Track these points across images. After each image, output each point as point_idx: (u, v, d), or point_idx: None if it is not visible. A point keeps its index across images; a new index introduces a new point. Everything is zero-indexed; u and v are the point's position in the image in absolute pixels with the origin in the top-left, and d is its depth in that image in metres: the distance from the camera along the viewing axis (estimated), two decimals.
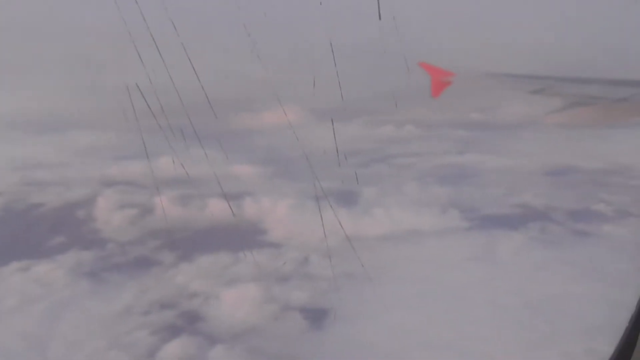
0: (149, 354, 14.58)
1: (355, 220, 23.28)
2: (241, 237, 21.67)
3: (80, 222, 23.93)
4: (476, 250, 20.07)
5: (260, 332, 15.38)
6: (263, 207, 23.07)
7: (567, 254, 19.57)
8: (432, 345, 14.44)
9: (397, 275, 18.19)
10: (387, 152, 35.76)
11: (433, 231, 21.27)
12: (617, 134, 26.76)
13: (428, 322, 16.10)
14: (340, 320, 15.71)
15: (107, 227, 23.38)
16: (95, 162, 33.94)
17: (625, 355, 3.63)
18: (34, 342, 14.90)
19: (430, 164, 31.23)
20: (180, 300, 17.04)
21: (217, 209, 24.50)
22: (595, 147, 28.73)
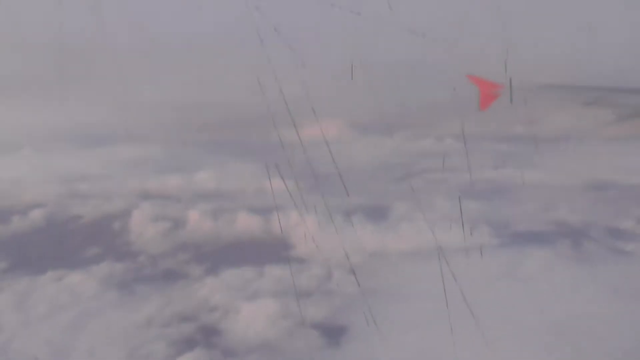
0: None
1: (383, 236, 23.12)
2: (267, 251, 21.83)
3: (115, 234, 24.72)
4: (504, 268, 19.56)
5: (275, 348, 15.41)
6: (291, 222, 23.14)
7: (601, 273, 18.81)
8: None
9: (420, 293, 17.88)
10: (423, 166, 35.43)
11: (461, 248, 20.84)
12: None
13: (449, 341, 15.74)
14: (357, 338, 15.56)
15: (140, 239, 24.05)
16: (136, 175, 35.01)
17: None
18: (56, 349, 15.41)
19: (465, 178, 30.69)
20: (201, 313, 17.29)
21: (246, 223, 24.84)
22: (638, 162, 27.62)
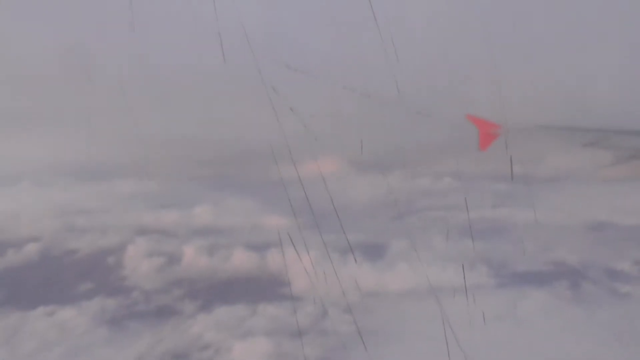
0: None
1: (379, 275, 22.89)
2: (262, 288, 21.59)
3: (110, 269, 24.50)
4: (501, 308, 19.28)
5: None
6: (287, 258, 22.91)
7: (598, 314, 18.55)
8: None
9: (415, 333, 17.61)
10: (421, 205, 35.36)
11: (458, 288, 20.56)
12: None
13: None
14: None
15: (134, 274, 23.82)
16: (133, 210, 34.95)
17: None
18: None
19: (463, 217, 30.60)
20: (193, 351, 16.97)
21: (242, 259, 24.64)
22: (638, 202, 27.56)
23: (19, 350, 17.18)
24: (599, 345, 16.01)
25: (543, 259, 23.22)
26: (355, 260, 25.29)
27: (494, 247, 24.66)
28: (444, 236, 26.55)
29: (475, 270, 22.41)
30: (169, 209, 34.56)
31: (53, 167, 45.74)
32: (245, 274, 23.57)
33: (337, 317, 19.11)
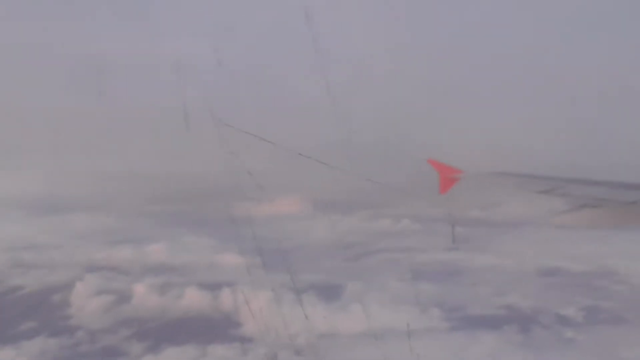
0: None
1: (333, 316, 22.65)
2: (213, 329, 21.11)
3: (55, 307, 23.58)
4: (453, 352, 19.27)
5: None
6: (240, 298, 22.60)
7: (546, 358, 18.72)
8: None
9: None
10: (379, 246, 35.45)
11: (410, 330, 20.54)
12: (613, 237, 26.39)
13: None
14: None
15: (80, 313, 22.97)
16: (86, 246, 34.00)
17: None
18: None
19: (419, 259, 30.82)
20: None
21: (194, 298, 24.11)
22: (587, 249, 28.34)
23: None
24: None
25: (495, 303, 23.44)
26: (306, 302, 25.16)
27: (448, 290, 24.80)
28: (400, 278, 26.61)
29: (428, 313, 22.44)
30: (123, 245, 33.82)
31: (4, 200, 44.45)
32: (197, 313, 23.04)
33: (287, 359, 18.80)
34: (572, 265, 27.66)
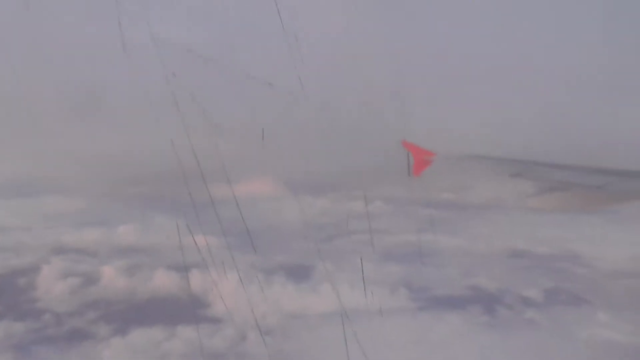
0: None
1: (302, 296, 22.81)
2: (181, 310, 21.03)
3: (20, 290, 23.23)
4: (420, 332, 19.58)
5: None
6: (209, 280, 22.47)
7: (514, 340, 19.14)
8: None
9: (334, 357, 17.54)
10: (351, 228, 35.63)
11: (379, 310, 20.73)
12: (579, 220, 26.97)
13: None
14: None
15: (47, 296, 22.70)
16: (55, 228, 33.44)
17: None
18: None
19: (390, 241, 31.07)
20: None
21: (162, 280, 23.97)
22: (554, 232, 28.87)
23: None
24: None
25: (462, 284, 23.84)
26: (276, 283, 25.21)
27: (415, 271, 25.09)
28: (370, 260, 26.78)
29: (397, 293, 22.72)
30: (92, 227, 33.34)
31: None
32: (165, 295, 22.93)
33: (255, 340, 18.85)
34: (538, 247, 28.21)
